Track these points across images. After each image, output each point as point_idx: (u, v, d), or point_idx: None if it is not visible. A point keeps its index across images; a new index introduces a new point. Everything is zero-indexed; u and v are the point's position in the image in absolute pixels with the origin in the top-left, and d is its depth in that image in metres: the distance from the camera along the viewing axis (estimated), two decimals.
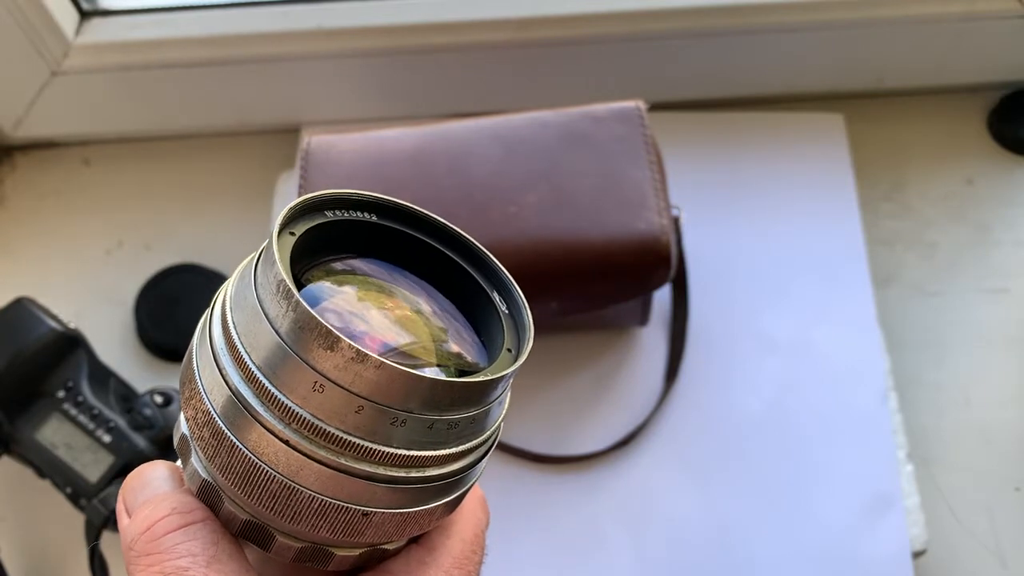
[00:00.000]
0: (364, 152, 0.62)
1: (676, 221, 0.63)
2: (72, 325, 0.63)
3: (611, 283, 0.60)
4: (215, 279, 0.71)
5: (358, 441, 0.23)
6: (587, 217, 0.59)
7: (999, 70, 0.78)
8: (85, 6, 0.74)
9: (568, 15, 0.72)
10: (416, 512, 0.25)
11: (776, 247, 0.71)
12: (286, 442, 0.23)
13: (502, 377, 0.25)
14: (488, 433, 0.26)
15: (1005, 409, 0.67)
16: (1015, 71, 0.78)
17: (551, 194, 0.59)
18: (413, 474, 0.24)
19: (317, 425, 0.23)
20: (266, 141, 0.79)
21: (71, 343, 0.63)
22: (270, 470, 0.23)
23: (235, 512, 0.25)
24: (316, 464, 0.23)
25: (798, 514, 0.61)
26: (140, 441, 0.60)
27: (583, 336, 0.68)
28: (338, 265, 0.27)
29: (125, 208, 0.78)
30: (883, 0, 0.72)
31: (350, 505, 0.24)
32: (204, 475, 0.26)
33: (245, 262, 0.25)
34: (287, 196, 0.74)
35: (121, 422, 0.61)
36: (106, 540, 0.59)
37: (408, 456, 0.23)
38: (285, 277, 0.23)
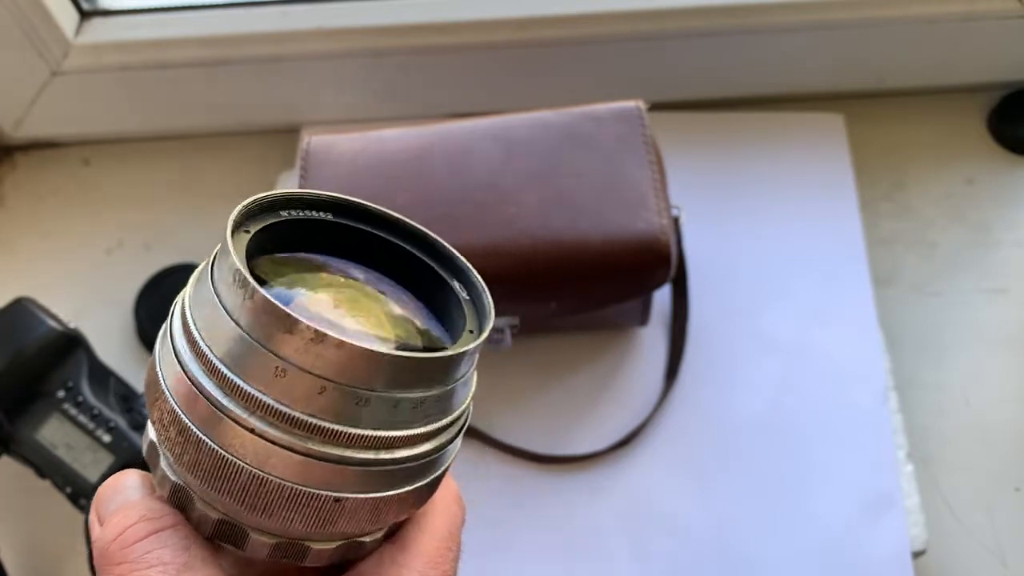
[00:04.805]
0: (364, 152, 0.62)
1: (676, 221, 0.63)
2: (72, 325, 0.63)
3: (611, 283, 0.60)
4: None
5: (324, 424, 0.23)
6: (587, 217, 0.59)
7: (999, 70, 0.78)
8: (85, 6, 0.74)
9: (568, 15, 0.72)
10: (389, 497, 0.25)
11: (776, 247, 0.71)
12: (251, 431, 0.23)
13: (464, 353, 0.25)
14: (456, 414, 0.26)
15: (1005, 409, 0.67)
16: (1015, 71, 0.78)
17: (551, 194, 0.59)
18: (383, 456, 0.24)
19: (281, 410, 0.23)
20: (266, 141, 0.79)
21: (71, 343, 0.63)
22: (238, 462, 0.23)
23: (207, 512, 0.25)
24: (284, 451, 0.23)
25: (798, 514, 0.61)
26: (140, 441, 0.60)
27: (583, 336, 0.68)
28: (281, 254, 0.27)
29: (125, 208, 0.78)
30: (883, 0, 0.72)
31: (321, 492, 0.24)
32: (173, 478, 0.26)
33: (201, 266, 0.26)
34: None
35: (121, 422, 0.61)
36: None
37: (375, 437, 0.23)
38: (240, 267, 0.23)
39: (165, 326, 0.26)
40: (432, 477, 0.26)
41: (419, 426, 0.24)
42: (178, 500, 0.26)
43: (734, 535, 0.61)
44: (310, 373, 0.23)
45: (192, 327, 0.24)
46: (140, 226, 0.76)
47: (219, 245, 0.25)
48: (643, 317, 0.66)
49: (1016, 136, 0.77)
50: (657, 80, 0.77)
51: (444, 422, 0.25)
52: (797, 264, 0.70)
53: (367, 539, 0.27)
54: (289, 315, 0.22)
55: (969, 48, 0.76)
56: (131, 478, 0.28)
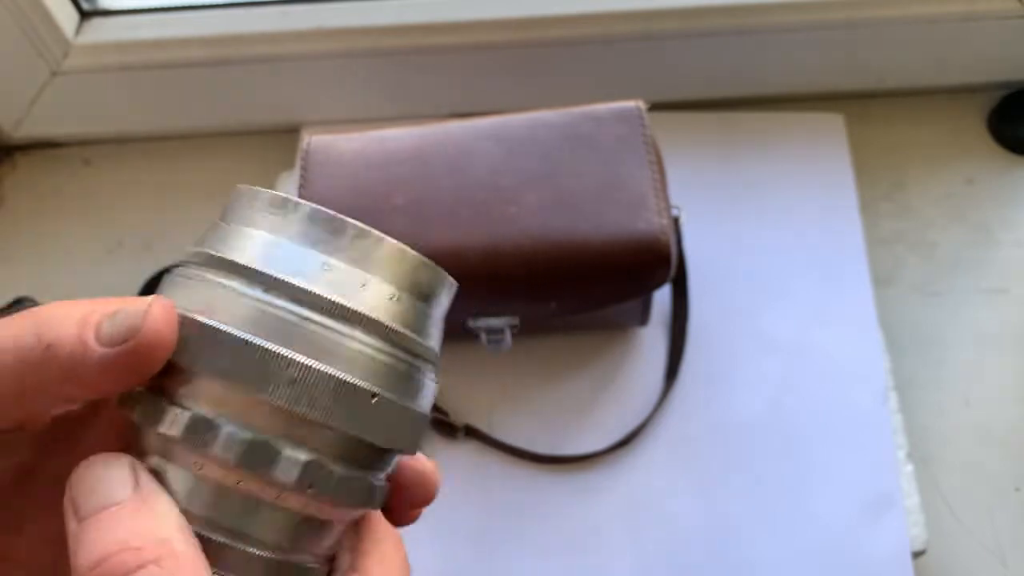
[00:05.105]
0: (364, 152, 0.62)
1: (676, 221, 0.63)
2: None
3: (611, 283, 0.60)
4: None
5: (368, 314, 0.25)
6: (587, 217, 0.59)
7: (999, 70, 0.78)
8: (85, 6, 0.74)
9: (568, 15, 0.72)
10: (406, 410, 0.26)
11: (776, 247, 0.71)
12: (304, 320, 0.25)
13: (454, 285, 0.27)
14: (437, 352, 0.28)
15: (1005, 409, 0.67)
16: (1015, 71, 0.78)
17: (551, 194, 0.59)
18: (408, 358, 0.26)
19: (330, 299, 0.25)
20: (266, 141, 0.79)
21: None
22: (286, 354, 0.24)
23: (236, 433, 0.24)
24: (333, 340, 0.25)
25: (798, 514, 0.61)
26: None
27: (583, 336, 0.68)
28: None
29: (125, 208, 0.78)
30: (883, 0, 0.72)
31: (362, 384, 0.25)
32: (191, 411, 0.25)
33: (189, 249, 0.27)
34: None
35: None
36: None
37: (406, 335, 0.26)
38: (276, 192, 0.26)
39: (166, 277, 0.27)
40: (428, 410, 0.28)
41: (427, 339, 0.27)
42: (198, 433, 0.25)
43: (734, 535, 0.61)
44: (355, 267, 0.25)
45: (217, 255, 0.25)
46: (140, 226, 0.76)
47: (221, 213, 0.27)
48: (643, 317, 0.66)
49: (1016, 136, 0.77)
50: (657, 80, 0.77)
51: (435, 352, 0.27)
52: (797, 264, 0.70)
53: (378, 484, 0.27)
54: (336, 216, 0.25)
55: (969, 48, 0.76)
56: (115, 468, 0.24)
